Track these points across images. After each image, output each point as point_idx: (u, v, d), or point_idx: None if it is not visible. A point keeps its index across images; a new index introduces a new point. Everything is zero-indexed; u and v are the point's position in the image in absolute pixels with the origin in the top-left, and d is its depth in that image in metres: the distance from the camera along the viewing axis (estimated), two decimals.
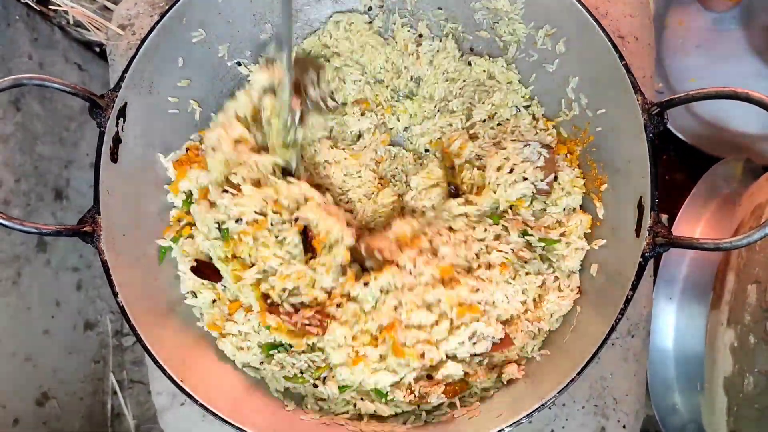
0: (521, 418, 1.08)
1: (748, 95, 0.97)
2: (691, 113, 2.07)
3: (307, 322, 1.18)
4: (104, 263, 1.13)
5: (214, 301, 1.30)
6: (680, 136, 2.02)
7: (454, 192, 1.35)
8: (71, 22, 1.75)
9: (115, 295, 1.13)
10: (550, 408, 1.15)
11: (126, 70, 1.18)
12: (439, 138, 1.41)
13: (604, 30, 1.14)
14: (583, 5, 1.17)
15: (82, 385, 1.88)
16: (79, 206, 1.88)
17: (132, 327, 1.12)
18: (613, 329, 1.07)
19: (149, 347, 1.12)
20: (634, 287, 1.06)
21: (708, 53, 2.12)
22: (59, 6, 1.59)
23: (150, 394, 1.42)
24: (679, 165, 2.09)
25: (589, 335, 1.12)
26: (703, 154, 1.99)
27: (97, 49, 1.99)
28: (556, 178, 1.29)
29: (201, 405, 1.11)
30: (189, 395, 1.11)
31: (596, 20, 1.15)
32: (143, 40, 1.19)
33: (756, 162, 1.82)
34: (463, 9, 1.40)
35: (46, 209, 1.77)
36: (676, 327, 1.65)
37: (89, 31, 1.74)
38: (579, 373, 1.07)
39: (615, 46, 1.13)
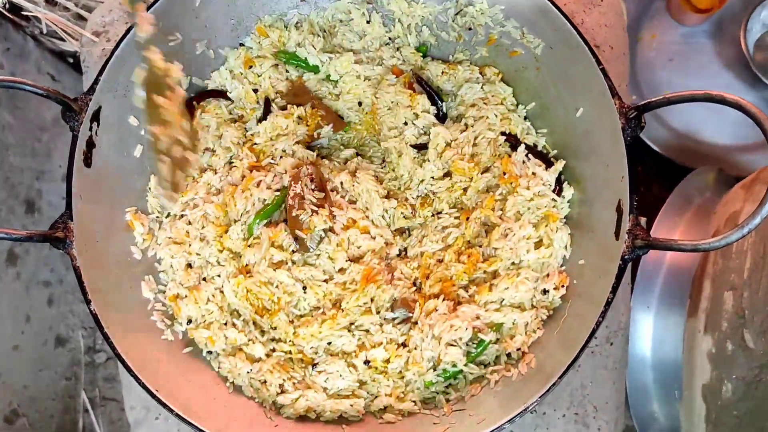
0: (503, 423, 1.07)
1: (723, 98, 0.99)
2: (664, 125, 2.10)
3: None
4: (76, 270, 1.10)
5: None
6: (654, 147, 2.05)
7: None
8: (44, 31, 1.73)
9: (88, 302, 1.10)
10: (532, 412, 1.14)
11: (101, 73, 1.17)
12: None
13: (581, 35, 1.16)
14: (560, 10, 1.18)
15: (53, 402, 1.83)
16: (51, 219, 1.80)
17: (105, 335, 1.10)
18: (593, 332, 1.06)
19: (122, 355, 1.09)
20: (614, 290, 1.06)
21: (680, 67, 2.16)
22: (31, 12, 1.57)
23: (123, 411, 1.38)
24: (654, 177, 2.13)
25: (570, 339, 1.11)
26: (677, 165, 2.03)
27: (71, 60, 1.97)
28: None
29: (176, 414, 1.08)
30: (163, 404, 1.08)
31: (573, 25, 1.17)
32: (118, 43, 1.18)
33: (728, 172, 1.85)
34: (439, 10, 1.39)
35: (17, 221, 1.73)
36: (653, 335, 1.66)
37: (63, 40, 1.72)
38: (561, 377, 1.07)
39: (592, 51, 1.14)
